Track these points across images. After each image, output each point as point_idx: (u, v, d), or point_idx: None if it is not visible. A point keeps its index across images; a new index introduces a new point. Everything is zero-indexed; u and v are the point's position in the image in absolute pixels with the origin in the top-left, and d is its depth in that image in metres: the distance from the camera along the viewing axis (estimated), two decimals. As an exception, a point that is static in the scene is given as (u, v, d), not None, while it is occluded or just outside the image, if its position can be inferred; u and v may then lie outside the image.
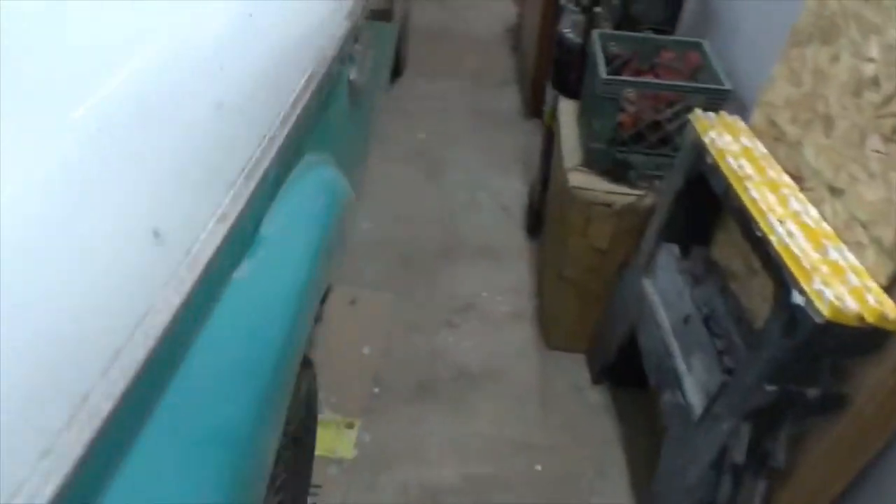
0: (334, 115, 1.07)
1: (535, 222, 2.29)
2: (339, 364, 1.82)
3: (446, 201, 2.49)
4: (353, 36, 1.13)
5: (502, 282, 2.13)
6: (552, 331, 1.89)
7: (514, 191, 2.55)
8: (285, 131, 0.74)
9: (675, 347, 1.40)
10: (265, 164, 0.68)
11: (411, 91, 3.24)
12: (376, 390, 1.77)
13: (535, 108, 2.96)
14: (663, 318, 1.47)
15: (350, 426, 1.67)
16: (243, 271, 0.69)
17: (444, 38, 3.92)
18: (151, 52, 0.60)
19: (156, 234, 0.49)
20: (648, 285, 1.54)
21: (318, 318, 1.95)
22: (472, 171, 2.67)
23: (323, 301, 1.18)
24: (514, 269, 2.19)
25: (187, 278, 0.52)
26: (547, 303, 1.94)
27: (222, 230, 0.58)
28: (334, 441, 1.64)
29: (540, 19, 2.87)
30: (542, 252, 2.18)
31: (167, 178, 0.53)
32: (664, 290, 1.50)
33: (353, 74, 1.15)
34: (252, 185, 0.66)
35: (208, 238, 0.56)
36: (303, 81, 0.81)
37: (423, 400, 1.75)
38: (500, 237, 2.32)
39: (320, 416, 1.68)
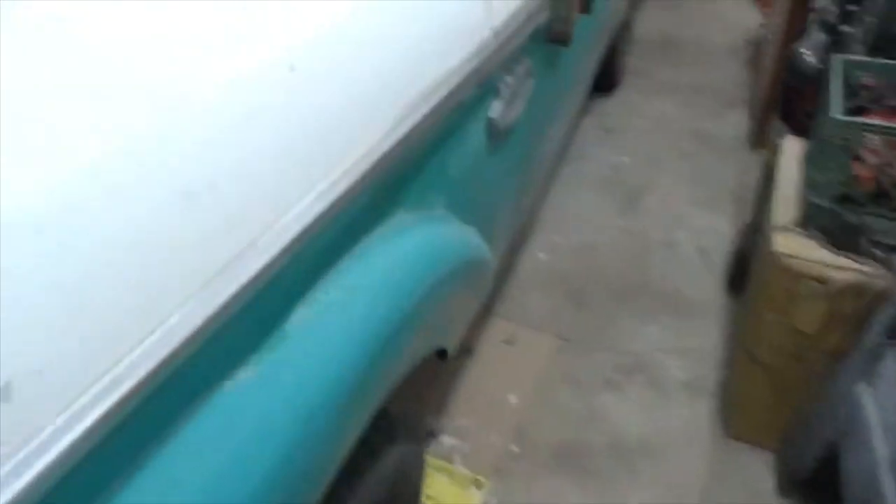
0: (460, 161, 0.91)
1: (739, 277, 1.94)
2: (481, 410, 1.67)
3: (638, 237, 2.21)
4: (498, 69, 0.95)
5: (684, 342, 1.83)
6: (734, 416, 1.57)
7: (719, 234, 2.20)
8: (326, 204, 0.60)
9: (888, 488, 1.05)
10: (267, 258, 0.54)
11: (623, 107, 2.97)
12: (515, 448, 1.58)
13: (763, 137, 2.54)
14: (879, 442, 1.11)
15: (478, 485, 1.51)
16: (232, 387, 0.56)
17: (672, 47, 3.57)
18: (91, 129, 0.48)
19: (5, 388, 0.37)
20: (865, 394, 1.18)
21: (468, 352, 1.82)
22: (674, 204, 2.35)
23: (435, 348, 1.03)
24: (702, 330, 1.87)
25: (55, 444, 0.39)
26: (733, 381, 1.61)
27: (153, 362, 0.44)
28: (458, 498, 1.49)
29: (782, 33, 2.45)
30: (737, 316, 1.84)
31: (38, 318, 0.41)
32: (885, 407, 1.14)
33: (495, 112, 0.98)
34: (234, 287, 0.51)
35: (113, 383, 0.43)
36: (378, 136, 0.66)
37: (565, 469, 1.54)
38: (693, 288, 2.01)
39: (449, 465, 1.55)
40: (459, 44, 0.82)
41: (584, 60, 1.76)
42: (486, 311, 1.90)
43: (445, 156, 0.87)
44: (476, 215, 1.03)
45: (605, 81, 2.98)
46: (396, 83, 0.71)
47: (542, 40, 1.22)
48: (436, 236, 0.85)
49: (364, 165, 0.65)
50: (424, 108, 0.74)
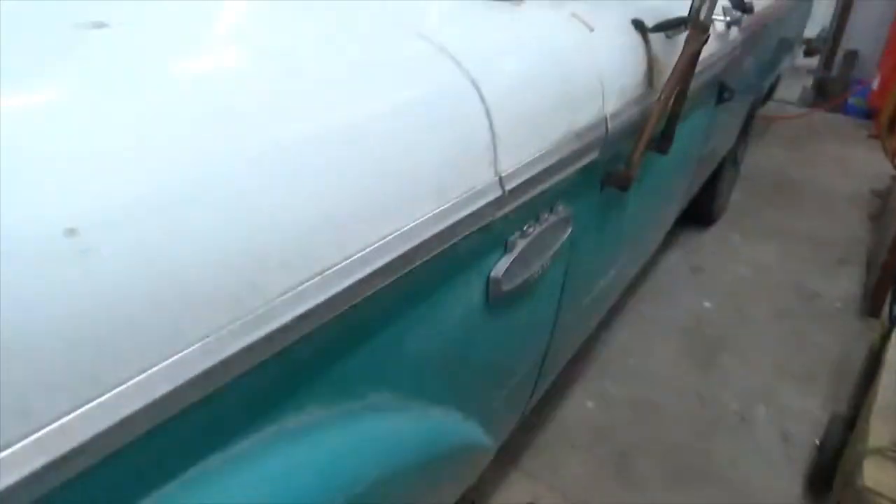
0: (435, 330, 0.71)
1: (824, 477, 1.59)
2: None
3: (708, 403, 1.90)
4: (509, 220, 0.76)
5: (743, 553, 1.49)
6: None
7: (808, 418, 1.84)
8: (205, 389, 0.42)
9: None
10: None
11: (718, 246, 2.69)
12: None
13: (877, 308, 2.19)
14: None
15: None
16: None
17: (786, 189, 3.27)
18: None
19: None
20: None
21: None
22: (758, 370, 2.02)
23: None
24: (769, 540, 1.52)
25: None
26: None
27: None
28: None
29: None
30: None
31: None
32: None
33: (498, 271, 0.78)
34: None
35: None
36: (302, 296, 0.47)
37: None
38: (766, 481, 1.66)
39: None
40: (441, 189, 0.62)
41: (655, 205, 1.52)
42: (509, 461, 1.64)
43: (408, 325, 0.66)
44: (462, 392, 0.82)
45: (702, 216, 2.73)
46: (326, 232, 0.52)
47: (595, 182, 1.02)
48: (380, 431, 0.64)
49: (265, 332, 0.46)
50: (364, 269, 0.54)
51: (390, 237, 0.56)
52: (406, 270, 0.59)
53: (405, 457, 0.67)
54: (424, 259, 0.61)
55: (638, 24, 1.05)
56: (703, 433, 1.79)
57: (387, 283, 0.56)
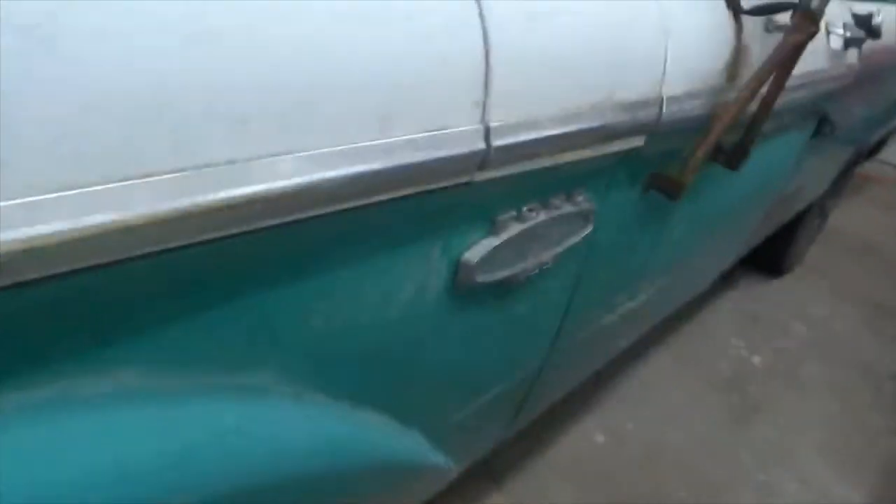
0: (359, 311, 0.54)
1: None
2: None
3: (729, 464, 1.68)
4: (499, 195, 0.59)
5: None
6: None
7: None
8: None
9: None
10: None
11: (783, 299, 2.44)
12: None
13: (950, 403, 1.92)
14: None
15: None
16: None
17: (872, 253, 2.97)
18: None
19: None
20: None
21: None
22: (795, 442, 1.79)
23: None
24: None
25: None
26: None
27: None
28: None
29: None
30: None
31: None
32: None
33: (473, 255, 0.61)
34: None
35: None
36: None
37: None
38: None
39: None
40: (389, 115, 0.44)
41: (710, 231, 1.28)
42: (489, 476, 1.48)
43: (316, 292, 0.49)
44: (402, 394, 0.66)
45: (771, 263, 2.49)
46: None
47: (636, 180, 0.84)
48: (248, 422, 0.48)
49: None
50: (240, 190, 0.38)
51: (284, 155, 0.39)
52: (312, 213, 0.42)
53: (288, 461, 0.52)
54: (344, 205, 0.44)
55: (731, 3, 0.86)
56: (718, 498, 1.58)
57: (281, 221, 0.41)
